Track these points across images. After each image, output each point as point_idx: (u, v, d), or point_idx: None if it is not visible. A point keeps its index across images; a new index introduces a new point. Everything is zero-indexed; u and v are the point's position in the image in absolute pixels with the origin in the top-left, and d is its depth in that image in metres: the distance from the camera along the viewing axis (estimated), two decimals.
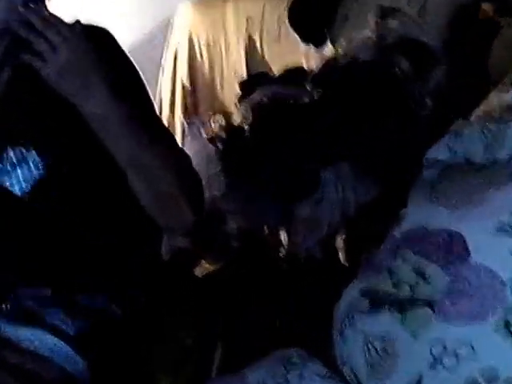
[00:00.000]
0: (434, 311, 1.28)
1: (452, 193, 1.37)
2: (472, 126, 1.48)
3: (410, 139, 2.28)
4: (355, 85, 2.34)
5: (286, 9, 2.78)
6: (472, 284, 1.27)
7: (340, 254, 2.44)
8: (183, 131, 2.96)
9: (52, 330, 1.42)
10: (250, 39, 3.06)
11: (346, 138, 2.32)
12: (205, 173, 2.26)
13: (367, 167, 2.33)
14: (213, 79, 3.12)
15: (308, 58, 2.83)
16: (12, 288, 1.46)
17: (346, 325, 1.35)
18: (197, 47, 3.14)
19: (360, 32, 2.39)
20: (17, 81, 1.41)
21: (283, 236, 2.52)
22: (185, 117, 3.07)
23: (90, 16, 1.49)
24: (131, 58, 1.56)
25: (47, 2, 1.41)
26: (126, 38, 1.85)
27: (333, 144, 2.32)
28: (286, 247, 2.49)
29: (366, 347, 1.31)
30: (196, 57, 3.14)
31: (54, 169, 1.46)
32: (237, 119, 2.61)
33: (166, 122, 3.00)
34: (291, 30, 2.79)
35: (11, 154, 1.45)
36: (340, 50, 2.42)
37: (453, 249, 1.31)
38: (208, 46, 3.12)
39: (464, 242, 1.30)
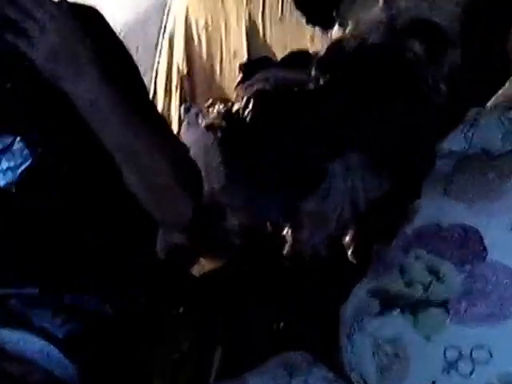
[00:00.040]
0: (449, 312, 1.28)
1: (468, 186, 1.37)
2: (489, 114, 1.48)
3: (421, 123, 2.28)
4: (364, 68, 2.34)
5: None
6: (489, 283, 1.27)
7: (348, 251, 2.44)
8: (179, 119, 2.96)
9: (40, 333, 1.42)
10: (251, 20, 3.05)
11: (355, 120, 2.32)
12: (203, 164, 2.26)
13: (377, 157, 2.33)
14: (211, 63, 3.12)
15: (313, 40, 2.83)
16: None
17: (354, 328, 1.35)
18: (194, 29, 3.13)
19: (369, 13, 2.38)
20: (1, 66, 1.41)
21: (287, 232, 2.52)
22: (181, 104, 3.07)
23: None
24: (123, 40, 1.55)
25: None
26: (117, 18, 1.84)
27: (341, 126, 2.32)
28: (290, 244, 2.50)
29: (375, 351, 1.31)
30: (193, 39, 3.14)
31: (42, 158, 1.46)
32: (237, 106, 2.61)
33: (160, 110, 3.01)
34: (296, 11, 2.79)
35: None
36: (348, 32, 2.42)
37: (469, 246, 1.31)
38: (206, 27, 3.11)
39: (480, 238, 1.30)
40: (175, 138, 1.60)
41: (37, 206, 1.47)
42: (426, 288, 1.31)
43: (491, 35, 2.32)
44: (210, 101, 2.80)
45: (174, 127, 2.82)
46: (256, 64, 2.75)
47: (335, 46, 2.46)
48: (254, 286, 2.28)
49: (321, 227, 2.40)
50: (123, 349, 1.50)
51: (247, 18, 3.05)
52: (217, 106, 2.68)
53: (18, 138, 1.45)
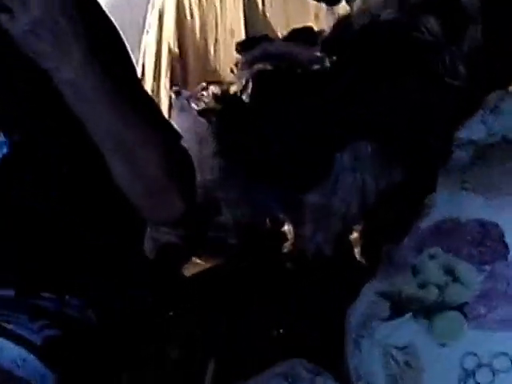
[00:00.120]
0: (467, 316, 1.28)
1: (487, 178, 1.38)
2: (511, 99, 1.49)
3: (435, 103, 2.28)
4: (374, 46, 2.35)
5: None
6: (511, 285, 1.28)
7: (356, 249, 2.45)
8: (170, 104, 2.96)
9: (15, 340, 1.43)
10: None
11: (364, 97, 2.32)
12: (195, 154, 2.27)
13: (388, 141, 2.33)
14: (205, 43, 3.13)
15: (318, 17, 2.83)
16: None
17: (362, 333, 1.36)
18: (186, 4, 3.13)
19: None
20: None
21: (288, 229, 2.53)
22: (172, 87, 3.07)
23: None
24: (110, 16, 1.56)
25: None
26: None
27: (348, 104, 2.32)
28: (291, 242, 2.50)
29: (385, 360, 1.32)
30: (185, 16, 3.14)
31: (22, 148, 1.47)
32: (234, 88, 2.61)
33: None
34: None
35: None
36: (356, 8, 2.42)
37: (488, 243, 1.32)
38: (199, 2, 3.12)
39: (501, 234, 1.31)
40: (167, 124, 1.61)
41: (10, 199, 1.48)
42: (442, 290, 1.32)
43: None
44: (204, 84, 2.80)
45: (164, 113, 2.83)
46: (255, 43, 2.75)
47: (342, 23, 2.46)
48: (253, 286, 2.29)
49: (325, 222, 2.41)
50: (106, 356, 1.51)
51: None
52: (211, 89, 2.68)
53: None
